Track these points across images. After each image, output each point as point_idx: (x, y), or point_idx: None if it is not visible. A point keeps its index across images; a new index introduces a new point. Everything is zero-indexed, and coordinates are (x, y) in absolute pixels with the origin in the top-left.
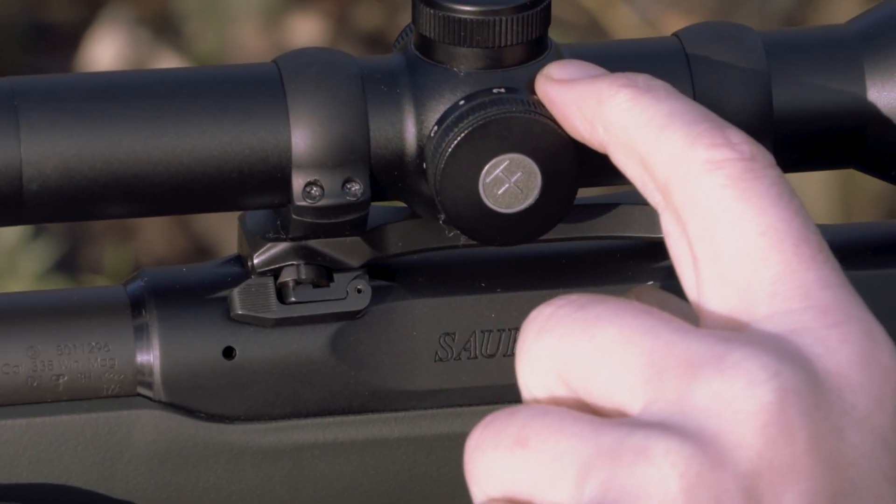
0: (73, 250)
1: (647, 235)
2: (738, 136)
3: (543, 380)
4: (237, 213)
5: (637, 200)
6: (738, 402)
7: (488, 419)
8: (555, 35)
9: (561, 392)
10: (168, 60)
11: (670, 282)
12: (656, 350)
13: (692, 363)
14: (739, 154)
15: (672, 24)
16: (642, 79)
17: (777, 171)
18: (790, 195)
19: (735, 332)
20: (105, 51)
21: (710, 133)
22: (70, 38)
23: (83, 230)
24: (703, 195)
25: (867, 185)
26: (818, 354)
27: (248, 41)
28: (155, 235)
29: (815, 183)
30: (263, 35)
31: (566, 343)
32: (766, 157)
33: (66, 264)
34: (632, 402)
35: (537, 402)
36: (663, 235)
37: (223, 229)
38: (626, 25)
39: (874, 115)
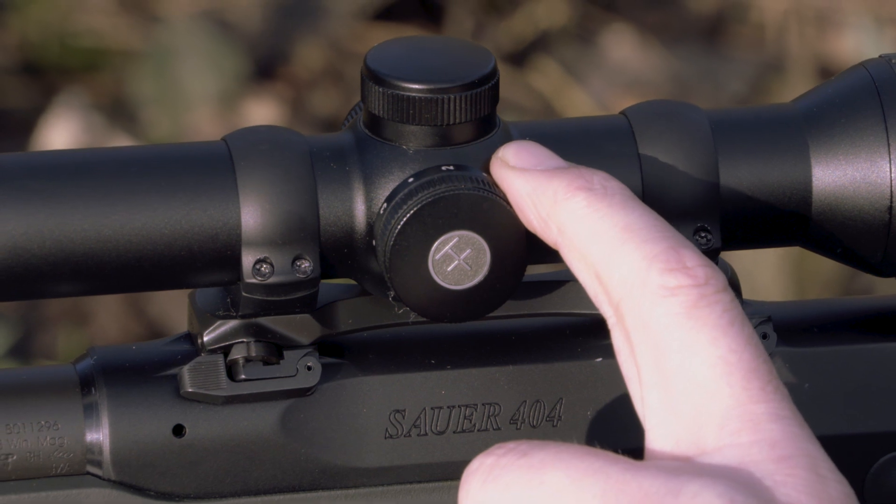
0: (26, 336)
1: (596, 312)
2: (692, 259)
3: None
4: (189, 294)
5: None
6: None
7: None
8: (508, 119)
9: None
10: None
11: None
12: (608, 490)
13: (648, 500)
14: (693, 280)
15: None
16: (598, 180)
17: (729, 294)
18: (741, 322)
19: (684, 464)
20: (59, 136)
21: (665, 256)
22: (24, 124)
23: (37, 315)
24: (655, 322)
25: (819, 268)
26: (767, 487)
27: (203, 126)
28: (109, 320)
29: (769, 266)
30: (219, 120)
31: (514, 491)
32: (718, 280)
33: (20, 350)
34: None
35: None
36: (615, 351)
37: (178, 313)
38: (581, 109)
39: (819, 193)
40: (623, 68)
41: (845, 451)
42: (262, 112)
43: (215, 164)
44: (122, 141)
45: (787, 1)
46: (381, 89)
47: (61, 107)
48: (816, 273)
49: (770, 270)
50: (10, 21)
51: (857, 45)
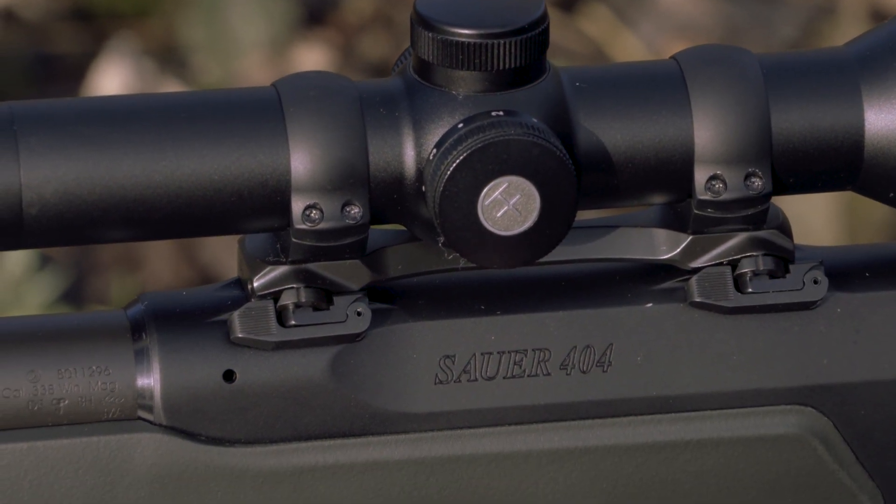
0: (79, 281)
1: (646, 257)
2: None
3: None
4: (239, 240)
5: (635, 223)
6: None
7: None
8: (559, 65)
9: None
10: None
11: (668, 304)
12: None
13: None
14: None
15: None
16: None
17: None
18: None
19: None
20: (111, 82)
21: None
22: (75, 70)
23: (89, 261)
24: None
25: (871, 212)
26: None
27: (253, 72)
28: (161, 266)
29: (821, 211)
30: (268, 66)
31: None
32: None
33: (72, 295)
34: None
35: None
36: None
37: (229, 259)
38: (631, 55)
39: (871, 137)
40: (674, 13)
41: None
42: (311, 58)
43: (265, 110)
44: (172, 87)
45: None
46: (430, 34)
47: (112, 52)
48: (868, 217)
49: (822, 215)
50: None
51: None
